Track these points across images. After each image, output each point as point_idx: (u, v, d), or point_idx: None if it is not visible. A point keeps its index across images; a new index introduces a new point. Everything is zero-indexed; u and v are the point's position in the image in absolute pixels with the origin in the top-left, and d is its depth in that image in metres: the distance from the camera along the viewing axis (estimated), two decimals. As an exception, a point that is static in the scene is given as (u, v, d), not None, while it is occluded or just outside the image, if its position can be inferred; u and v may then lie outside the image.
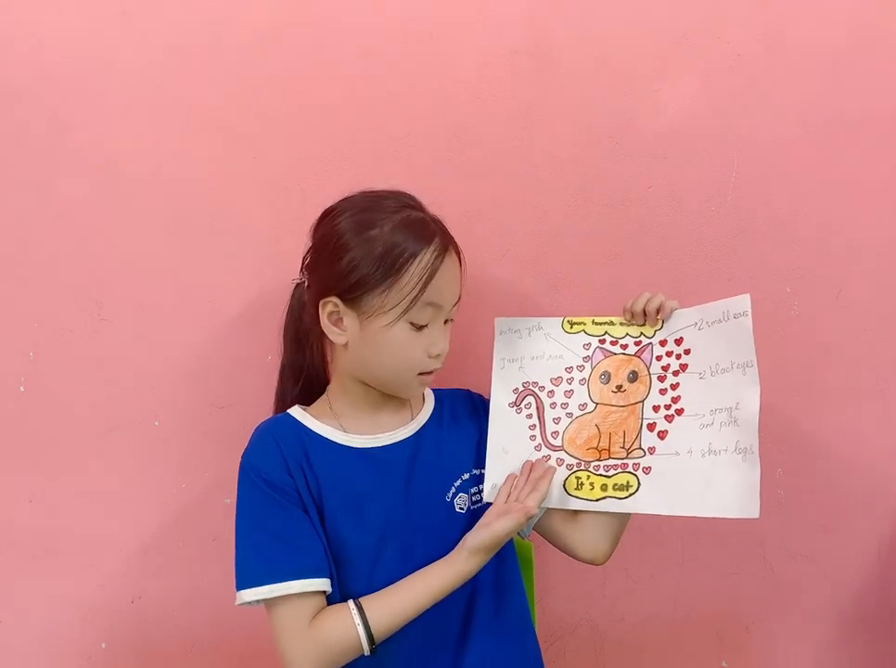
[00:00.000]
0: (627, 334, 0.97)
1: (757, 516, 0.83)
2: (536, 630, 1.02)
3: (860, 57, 1.17)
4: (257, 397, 1.14)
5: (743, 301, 0.90)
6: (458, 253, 0.92)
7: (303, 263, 0.95)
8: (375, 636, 0.82)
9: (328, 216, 0.91)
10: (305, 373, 0.98)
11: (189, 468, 1.16)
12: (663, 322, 0.95)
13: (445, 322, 0.92)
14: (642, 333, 0.97)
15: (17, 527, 1.16)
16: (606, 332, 0.98)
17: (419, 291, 0.85)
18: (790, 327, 1.21)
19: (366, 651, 0.82)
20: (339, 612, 0.83)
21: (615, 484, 0.91)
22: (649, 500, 0.89)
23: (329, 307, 0.89)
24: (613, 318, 0.98)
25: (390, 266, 0.85)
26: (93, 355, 1.14)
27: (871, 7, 1.16)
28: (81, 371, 1.14)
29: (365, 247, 0.86)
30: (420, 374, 0.90)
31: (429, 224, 0.89)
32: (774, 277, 1.20)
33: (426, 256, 0.86)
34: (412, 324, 0.87)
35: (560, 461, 0.95)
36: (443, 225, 0.92)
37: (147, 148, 1.11)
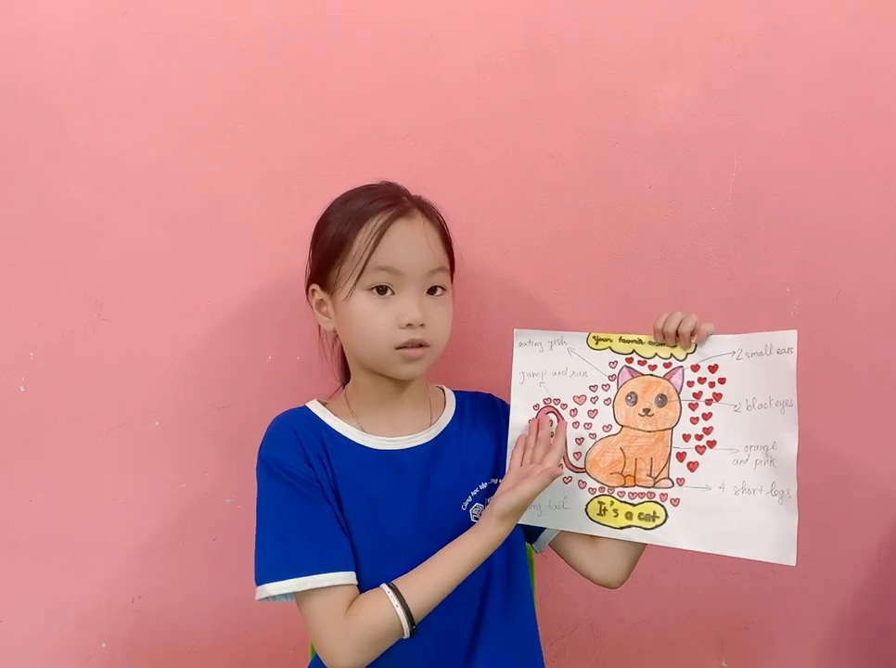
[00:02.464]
0: (656, 354, 0.92)
1: (793, 564, 0.80)
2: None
3: (860, 57, 1.17)
4: (257, 397, 1.15)
5: (789, 337, 0.85)
6: (432, 219, 0.90)
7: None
8: (414, 616, 0.80)
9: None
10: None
11: (189, 468, 1.16)
12: (696, 346, 0.90)
13: (433, 291, 0.89)
14: (672, 355, 0.91)
15: (17, 527, 1.16)
16: (634, 350, 0.93)
17: (368, 256, 0.84)
18: (790, 327, 1.20)
19: (407, 633, 0.80)
20: (375, 597, 0.81)
21: (640, 514, 0.88)
22: (677, 534, 0.86)
23: (316, 295, 0.91)
24: (642, 336, 0.93)
25: (344, 237, 0.86)
26: (93, 355, 1.14)
27: (871, 7, 1.16)
28: (81, 371, 1.14)
29: (329, 226, 0.88)
30: (400, 348, 0.86)
31: (393, 196, 0.89)
32: (774, 277, 1.20)
33: (373, 221, 0.85)
34: (369, 292, 0.85)
35: (583, 483, 0.92)
36: (420, 198, 0.91)
37: (147, 148, 1.11)
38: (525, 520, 0.90)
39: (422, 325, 0.86)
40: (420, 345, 0.87)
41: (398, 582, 0.82)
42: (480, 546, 0.84)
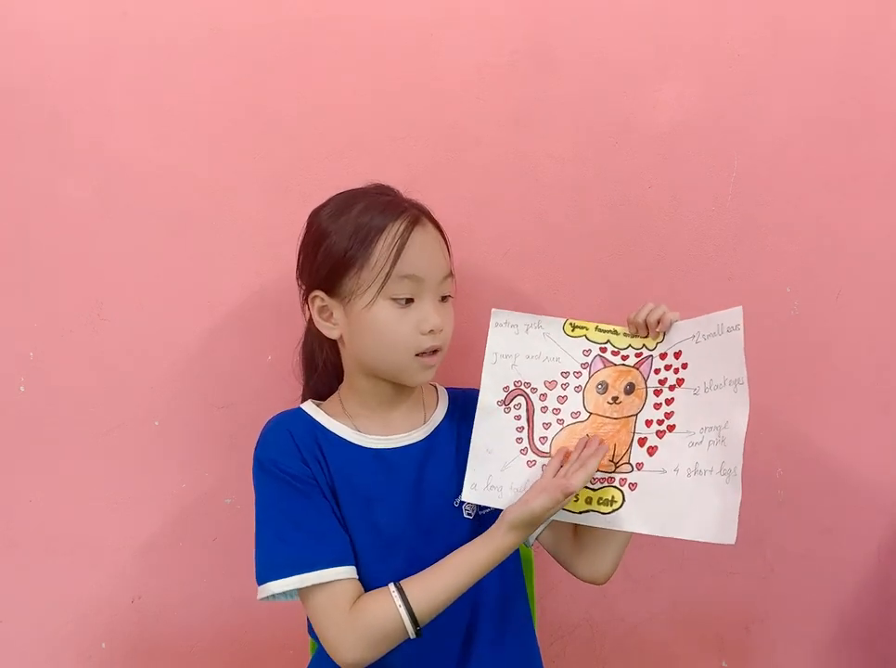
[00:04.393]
0: (630, 345, 0.93)
1: (733, 542, 0.79)
2: (536, 630, 1.02)
3: (860, 57, 1.17)
4: (257, 397, 1.15)
5: (735, 315, 0.85)
6: (437, 226, 0.92)
7: (296, 270, 0.95)
8: (418, 618, 0.81)
9: (310, 217, 0.93)
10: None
11: (189, 468, 1.16)
12: (664, 334, 0.91)
13: (444, 299, 0.90)
14: (644, 345, 0.92)
15: (17, 527, 1.16)
16: (608, 341, 0.94)
17: (391, 265, 0.84)
18: (790, 327, 1.21)
19: (412, 634, 0.81)
20: (379, 596, 0.82)
21: (600, 498, 0.87)
22: (631, 518, 0.86)
23: (317, 302, 0.90)
24: (618, 328, 0.94)
25: (360, 245, 0.85)
26: (93, 355, 1.14)
27: (871, 7, 1.16)
28: (81, 371, 1.14)
29: (336, 234, 0.87)
30: (419, 355, 0.87)
31: (399, 203, 0.89)
32: (774, 277, 1.20)
33: (393, 229, 0.85)
34: (393, 300, 0.86)
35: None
36: (420, 205, 0.92)
37: (148, 148, 1.11)
38: (486, 502, 0.90)
39: (441, 330, 0.88)
40: (435, 351, 0.89)
41: (404, 583, 0.83)
42: (487, 554, 0.83)
